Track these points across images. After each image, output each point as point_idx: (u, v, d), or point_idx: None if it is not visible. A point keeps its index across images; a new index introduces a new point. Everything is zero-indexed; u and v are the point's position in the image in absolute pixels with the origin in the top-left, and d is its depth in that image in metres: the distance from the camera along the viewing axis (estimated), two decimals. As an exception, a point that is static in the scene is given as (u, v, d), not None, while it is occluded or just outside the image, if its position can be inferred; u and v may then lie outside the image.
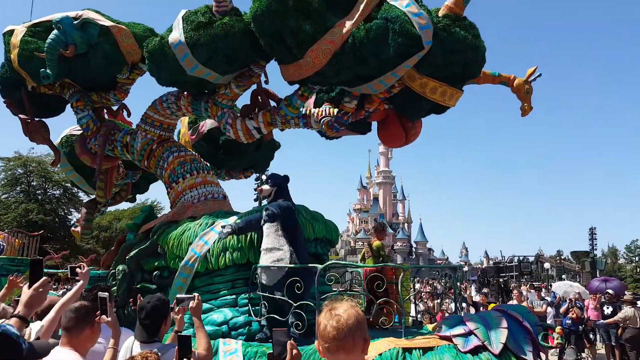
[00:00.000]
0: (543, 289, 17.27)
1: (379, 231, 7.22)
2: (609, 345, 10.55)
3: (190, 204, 6.64)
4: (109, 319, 2.79)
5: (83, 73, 6.92)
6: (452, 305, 11.82)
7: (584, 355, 10.72)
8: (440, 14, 5.28)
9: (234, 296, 5.39)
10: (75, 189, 27.21)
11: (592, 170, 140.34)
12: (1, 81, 7.30)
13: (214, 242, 5.55)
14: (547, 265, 35.24)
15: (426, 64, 5.18)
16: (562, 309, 11.32)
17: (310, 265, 4.97)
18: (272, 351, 2.06)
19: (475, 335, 4.16)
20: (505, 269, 22.35)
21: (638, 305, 10.14)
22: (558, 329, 10.06)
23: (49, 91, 7.43)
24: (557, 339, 9.82)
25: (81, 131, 7.74)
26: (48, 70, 6.50)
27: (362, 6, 5.10)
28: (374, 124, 6.78)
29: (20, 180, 29.71)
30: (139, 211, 9.74)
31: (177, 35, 5.73)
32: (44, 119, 8.07)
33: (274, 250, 5.00)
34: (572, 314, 10.64)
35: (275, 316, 4.81)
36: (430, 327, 5.88)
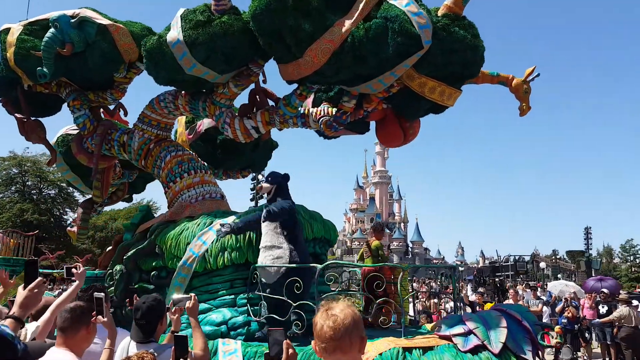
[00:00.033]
0: (539, 289, 17.32)
1: (378, 231, 7.20)
2: (605, 344, 10.60)
3: (188, 204, 6.61)
4: (105, 319, 2.77)
5: (80, 72, 6.87)
6: (448, 305, 11.87)
7: (579, 354, 10.77)
8: (439, 13, 5.28)
9: (232, 296, 5.36)
10: (71, 189, 27.10)
11: (587, 170, 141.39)
12: (-3, 80, 7.23)
13: (212, 242, 5.52)
14: (542, 264, 35.40)
15: (425, 64, 5.17)
16: (557, 308, 11.38)
17: (310, 265, 4.95)
18: (268, 351, 2.05)
19: (475, 335, 4.17)
20: (501, 268, 22.48)
21: (633, 304, 10.20)
22: (557, 328, 10.11)
23: (45, 90, 7.37)
24: (556, 338, 9.87)
25: (77, 130, 7.69)
26: (44, 69, 6.44)
27: (361, 5, 5.09)
28: (372, 124, 6.77)
29: (15, 180, 29.56)
30: (135, 211, 9.69)
31: (175, 33, 5.69)
32: (40, 118, 8.01)
33: (273, 248, 4.98)
34: (568, 313, 10.69)
35: (274, 316, 4.79)
36: (429, 326, 5.88)
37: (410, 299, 7.80)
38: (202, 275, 5.61)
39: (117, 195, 9.19)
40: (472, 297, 13.88)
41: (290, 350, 1.93)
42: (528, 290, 14.38)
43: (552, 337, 9.11)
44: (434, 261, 59.52)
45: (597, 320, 10.58)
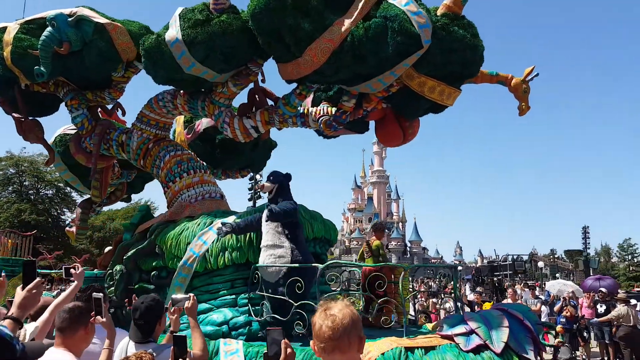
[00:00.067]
0: (537, 288, 17.38)
1: (378, 231, 7.20)
2: (603, 343, 10.64)
3: (188, 204, 6.59)
4: (104, 319, 2.76)
5: (77, 71, 6.83)
6: (447, 305, 11.88)
7: (578, 353, 10.79)
8: (439, 12, 5.28)
9: (233, 296, 5.35)
10: (68, 189, 27.03)
11: (585, 170, 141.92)
12: (-6, 79, 7.19)
13: (213, 242, 5.50)
14: (540, 264, 35.55)
15: (425, 63, 5.17)
16: (556, 308, 11.40)
17: (312, 264, 4.93)
18: (267, 351, 2.04)
19: (477, 334, 4.16)
20: (500, 267, 22.51)
21: (631, 303, 10.23)
22: (558, 327, 10.12)
23: (43, 89, 7.33)
24: (557, 338, 9.87)
25: (75, 130, 7.65)
26: (42, 68, 6.41)
27: (360, 4, 5.08)
28: (372, 123, 6.76)
29: (13, 180, 29.47)
30: (133, 211, 9.69)
31: (174, 32, 5.67)
32: (37, 118, 7.96)
33: (275, 247, 4.96)
34: (566, 313, 10.71)
35: (276, 316, 4.77)
36: (430, 326, 5.87)
37: (411, 299, 7.77)
38: (202, 275, 5.59)
39: (115, 195, 9.15)
40: (471, 297, 13.90)
41: (289, 350, 1.93)
42: (526, 289, 14.41)
43: (554, 337, 9.11)
44: (432, 261, 59.59)
45: (596, 319, 10.61)
